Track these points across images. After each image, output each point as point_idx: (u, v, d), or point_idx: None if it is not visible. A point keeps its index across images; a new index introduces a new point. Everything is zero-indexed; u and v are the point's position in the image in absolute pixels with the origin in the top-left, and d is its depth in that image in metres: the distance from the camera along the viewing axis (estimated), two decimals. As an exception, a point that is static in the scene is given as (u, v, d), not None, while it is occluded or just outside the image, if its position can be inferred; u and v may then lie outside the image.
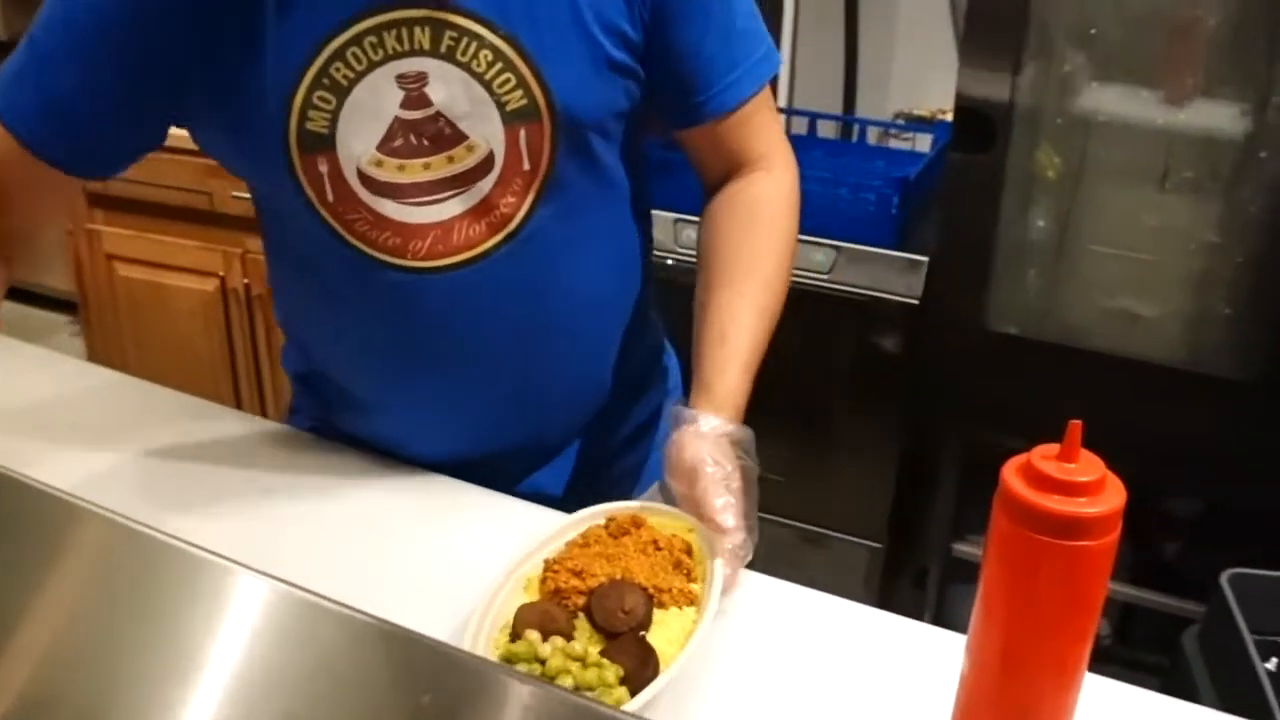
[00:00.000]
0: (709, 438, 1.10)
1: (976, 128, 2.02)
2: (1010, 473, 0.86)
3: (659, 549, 1.05)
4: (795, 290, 2.25)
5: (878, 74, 3.04)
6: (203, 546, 0.73)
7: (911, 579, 2.62)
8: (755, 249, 1.24)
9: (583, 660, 0.93)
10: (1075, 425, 0.84)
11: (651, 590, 1.00)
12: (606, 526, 1.08)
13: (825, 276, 2.27)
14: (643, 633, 0.97)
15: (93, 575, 0.77)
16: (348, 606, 0.69)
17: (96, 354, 3.15)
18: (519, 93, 1.10)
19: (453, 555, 1.17)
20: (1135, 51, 2.00)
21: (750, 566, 1.11)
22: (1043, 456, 0.85)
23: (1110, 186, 2.07)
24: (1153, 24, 1.97)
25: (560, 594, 1.00)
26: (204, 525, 1.18)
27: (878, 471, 2.37)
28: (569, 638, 0.96)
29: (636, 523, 1.08)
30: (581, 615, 0.98)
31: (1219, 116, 1.97)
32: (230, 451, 1.33)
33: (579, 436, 1.34)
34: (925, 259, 2.21)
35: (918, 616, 1.11)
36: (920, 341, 2.22)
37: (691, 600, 1.01)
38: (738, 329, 1.19)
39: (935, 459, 2.33)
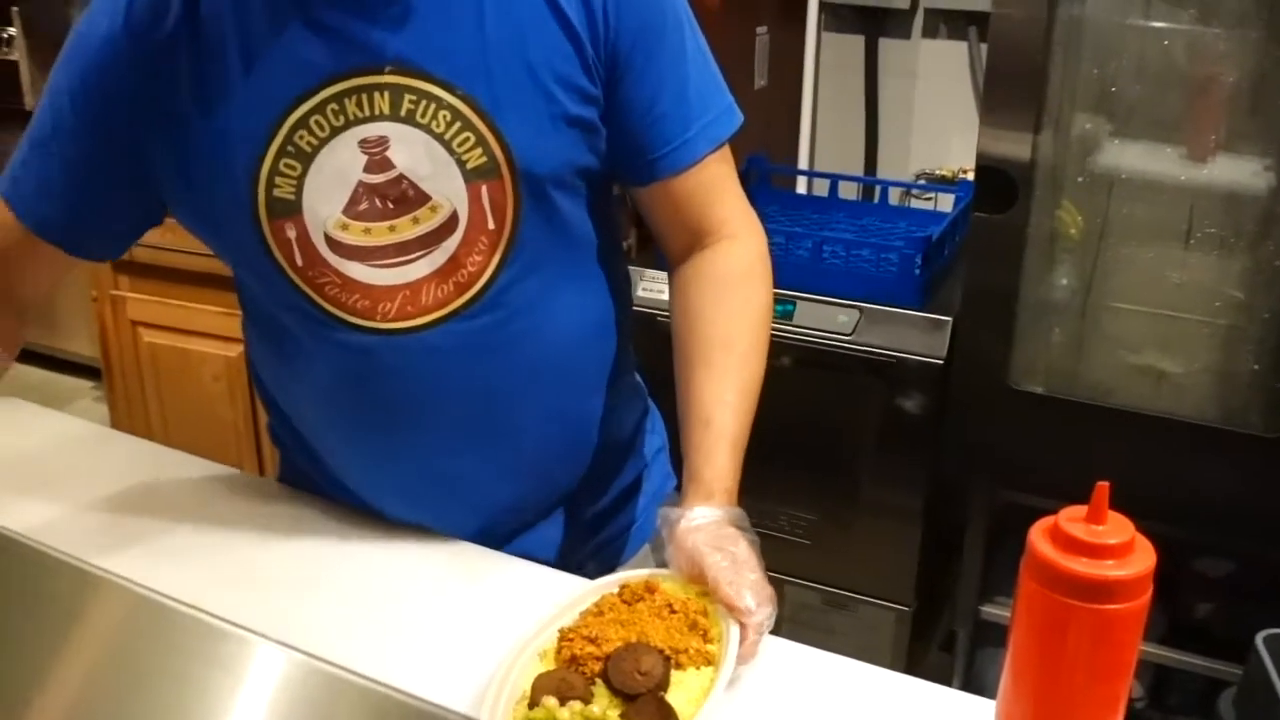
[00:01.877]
0: (703, 529, 1.10)
1: (998, 187, 2.02)
2: (1038, 535, 0.85)
3: (674, 612, 1.04)
4: (819, 351, 2.28)
5: (899, 135, 3.06)
6: (221, 616, 0.72)
7: (940, 643, 2.58)
8: (729, 325, 1.23)
9: None
10: (1102, 487, 0.83)
11: (669, 652, 0.99)
12: (620, 594, 1.08)
13: (848, 337, 2.27)
14: (661, 693, 0.96)
15: (111, 645, 0.76)
16: (367, 678, 0.68)
17: (120, 420, 3.16)
18: (478, 150, 1.11)
19: (463, 620, 1.16)
20: (1156, 108, 2.00)
21: (775, 631, 1.11)
22: (1070, 518, 0.84)
23: (1134, 244, 2.07)
24: (1172, 81, 1.97)
25: (577, 661, 1.00)
26: (222, 594, 1.17)
27: (904, 534, 2.35)
28: (587, 704, 0.95)
29: (650, 588, 1.08)
30: (599, 681, 0.98)
31: (1242, 172, 1.96)
32: (249, 518, 1.33)
33: (563, 500, 1.33)
34: (949, 319, 2.21)
35: (946, 681, 1.10)
36: (945, 402, 2.21)
37: (709, 660, 1.01)
38: (721, 410, 1.19)
39: (962, 520, 2.30)
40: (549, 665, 1.02)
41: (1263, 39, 1.88)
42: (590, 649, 1.00)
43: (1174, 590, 2.27)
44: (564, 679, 0.97)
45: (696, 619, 1.04)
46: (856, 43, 3.01)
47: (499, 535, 1.30)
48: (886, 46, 3.00)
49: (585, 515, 1.35)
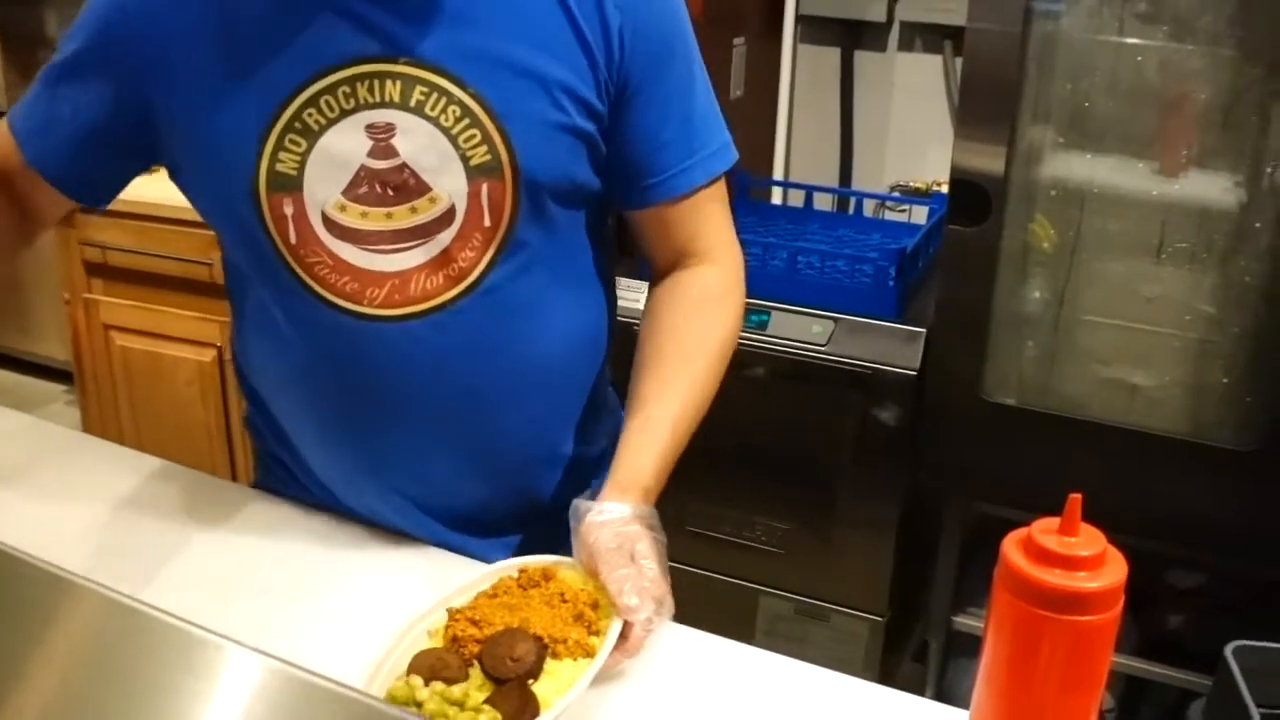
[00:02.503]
0: (609, 524, 1.10)
1: (972, 200, 2.03)
2: (1011, 547, 0.86)
3: (564, 601, 1.06)
4: (793, 361, 2.28)
5: (874, 147, 3.07)
6: (193, 621, 0.72)
7: (913, 653, 2.59)
8: (690, 343, 1.25)
9: (461, 704, 0.94)
10: (1075, 499, 0.84)
11: (547, 640, 1.01)
12: (518, 578, 1.10)
13: (823, 348, 2.27)
14: (531, 681, 0.98)
15: (83, 650, 0.76)
16: (342, 684, 0.68)
17: (91, 424, 3.14)
18: (483, 148, 1.13)
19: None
20: (1128, 124, 2.02)
21: (749, 640, 1.11)
22: (1043, 530, 0.85)
23: (1106, 258, 2.08)
24: (1145, 97, 1.99)
25: (459, 642, 1.02)
26: (194, 598, 1.17)
27: (877, 544, 2.36)
28: (454, 684, 0.97)
29: (547, 576, 1.10)
30: (477, 663, 1.00)
31: (1213, 188, 1.98)
32: (222, 523, 1.32)
33: (529, 508, 1.33)
34: (923, 330, 2.22)
35: (919, 691, 1.10)
36: (919, 413, 2.22)
37: (589, 652, 1.02)
38: (660, 415, 1.20)
39: (935, 531, 2.31)
40: (437, 643, 1.03)
41: (1235, 57, 1.90)
42: (472, 631, 1.02)
43: (1145, 602, 2.29)
44: (441, 658, 1.00)
45: (584, 610, 1.05)
46: (833, 55, 3.03)
47: (461, 534, 1.30)
48: (862, 59, 3.02)
49: (550, 526, 1.35)
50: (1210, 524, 2.03)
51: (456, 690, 0.96)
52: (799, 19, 2.96)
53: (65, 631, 0.76)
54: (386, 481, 1.27)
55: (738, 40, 2.78)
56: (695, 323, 1.26)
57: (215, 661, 0.71)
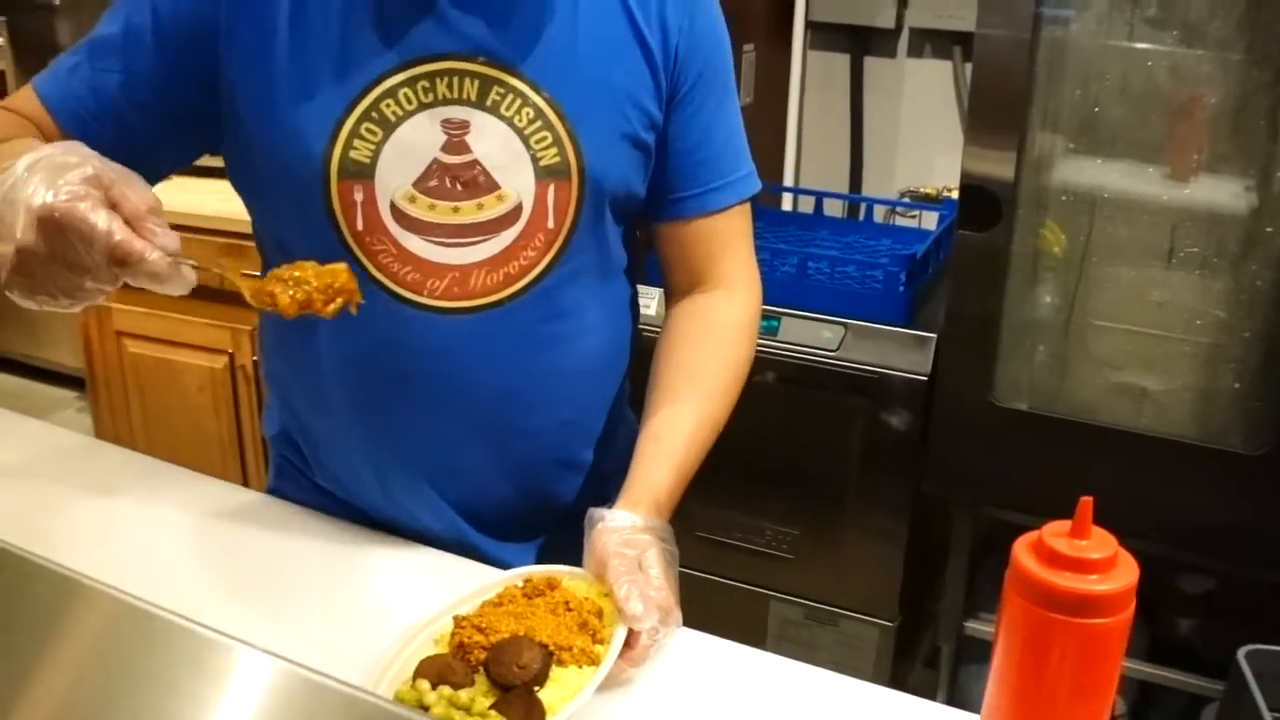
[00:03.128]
0: (619, 531, 1.12)
1: (982, 205, 2.03)
2: (1021, 550, 0.86)
3: (569, 610, 1.06)
4: (803, 368, 2.28)
5: (884, 153, 3.07)
6: (206, 624, 0.72)
7: (924, 659, 2.59)
8: (705, 365, 1.28)
9: (467, 709, 0.94)
10: (1086, 502, 0.84)
11: (552, 648, 1.02)
12: (523, 587, 1.10)
13: (833, 354, 2.27)
14: (537, 688, 0.98)
15: (95, 652, 0.76)
16: (353, 686, 0.68)
17: (103, 430, 3.15)
18: (553, 150, 1.16)
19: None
20: (1138, 129, 2.01)
21: (759, 645, 1.11)
22: (1054, 533, 0.85)
23: (1116, 263, 2.08)
24: (1154, 102, 1.99)
25: (465, 649, 1.02)
26: (206, 602, 1.18)
27: (888, 550, 2.35)
28: (458, 689, 0.97)
29: (552, 585, 1.10)
30: (483, 670, 1.00)
31: (1224, 192, 1.98)
32: (234, 528, 1.33)
33: (547, 515, 1.33)
34: (933, 336, 2.22)
35: (930, 696, 1.10)
36: (929, 418, 2.22)
37: (594, 660, 1.02)
38: (673, 432, 1.23)
39: (946, 536, 2.31)
40: (442, 650, 1.04)
41: (1244, 61, 1.90)
42: (478, 638, 1.02)
43: (1156, 607, 2.28)
44: (448, 664, 1.00)
45: (589, 619, 1.06)
46: (842, 61, 3.03)
47: (481, 535, 1.30)
48: (872, 65, 3.02)
49: (568, 532, 1.35)
50: (1221, 528, 2.03)
51: (463, 695, 0.96)
52: (808, 25, 2.96)
53: (76, 633, 0.76)
54: (416, 470, 1.27)
55: (747, 47, 2.78)
56: (711, 347, 1.29)
57: (226, 663, 0.71)
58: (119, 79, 1.16)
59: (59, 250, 0.93)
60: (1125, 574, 0.83)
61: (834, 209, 2.90)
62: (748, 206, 1.31)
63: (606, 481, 1.34)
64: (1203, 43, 1.92)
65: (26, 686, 0.73)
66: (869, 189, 3.07)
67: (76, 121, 1.17)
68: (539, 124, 1.15)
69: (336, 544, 1.31)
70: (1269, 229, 1.94)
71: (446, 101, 1.14)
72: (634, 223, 1.30)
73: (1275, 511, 1.97)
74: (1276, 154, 1.91)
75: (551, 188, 1.17)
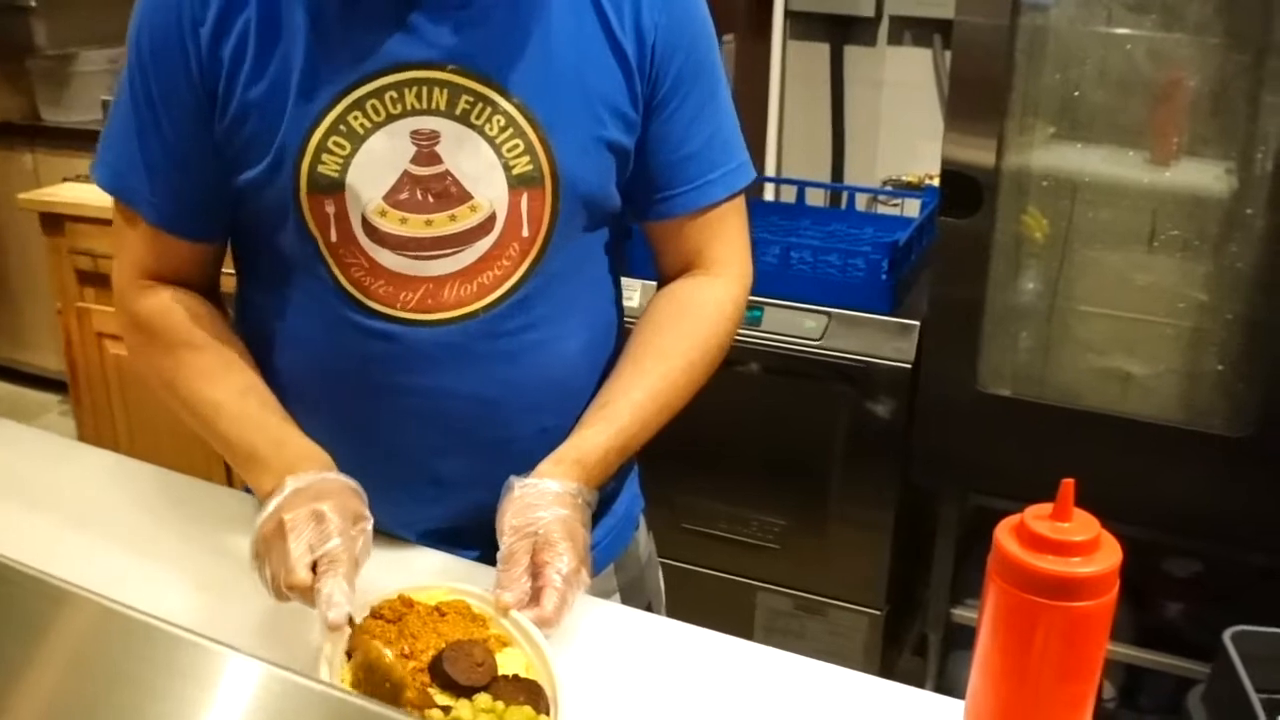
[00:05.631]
0: (516, 506, 1.13)
1: (964, 192, 2.03)
2: (1004, 533, 0.86)
3: (443, 615, 1.06)
4: (787, 356, 2.28)
5: (865, 141, 3.07)
6: (191, 629, 0.72)
7: (913, 647, 2.59)
8: (674, 343, 1.26)
9: (492, 711, 0.95)
10: (1067, 484, 0.84)
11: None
12: (381, 616, 1.06)
13: (817, 342, 2.27)
14: (503, 675, 1.00)
15: (79, 658, 0.76)
16: (339, 689, 0.68)
17: (87, 433, 3.14)
18: (526, 158, 1.14)
19: None
20: (1118, 114, 2.02)
21: (747, 636, 1.11)
22: (1036, 516, 0.85)
23: (1098, 247, 2.08)
24: (1134, 86, 1.99)
25: (401, 686, 0.97)
26: (192, 606, 1.17)
27: (874, 538, 2.36)
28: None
29: (407, 603, 1.07)
30: (434, 681, 0.99)
31: (1204, 175, 1.98)
32: (219, 530, 1.32)
33: None
34: (916, 323, 2.22)
35: (919, 684, 1.10)
36: (914, 406, 2.22)
37: (506, 643, 1.04)
38: (622, 400, 1.22)
39: (932, 523, 2.32)
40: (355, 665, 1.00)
41: (1223, 44, 1.90)
42: (412, 664, 1.00)
43: (1143, 591, 2.29)
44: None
45: (465, 612, 1.07)
46: (822, 50, 3.03)
47: (460, 542, 1.29)
48: (852, 54, 3.02)
49: None
50: (1205, 511, 2.04)
51: (483, 700, 0.96)
52: (788, 15, 2.96)
53: (62, 641, 0.76)
54: (394, 480, 1.26)
55: (727, 37, 2.78)
56: (684, 327, 1.27)
57: (213, 668, 0.71)
58: (158, 145, 1.16)
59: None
60: (1108, 556, 0.83)
61: (816, 198, 2.90)
62: (741, 195, 1.30)
63: None
64: (1181, 26, 1.93)
65: (11, 693, 0.73)
66: (851, 177, 3.08)
67: (190, 226, 1.20)
68: (510, 132, 1.13)
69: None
70: (1249, 211, 1.94)
71: (415, 112, 1.12)
72: (616, 225, 1.29)
73: (1260, 493, 1.98)
74: (1256, 136, 1.92)
75: (525, 196, 1.15)
